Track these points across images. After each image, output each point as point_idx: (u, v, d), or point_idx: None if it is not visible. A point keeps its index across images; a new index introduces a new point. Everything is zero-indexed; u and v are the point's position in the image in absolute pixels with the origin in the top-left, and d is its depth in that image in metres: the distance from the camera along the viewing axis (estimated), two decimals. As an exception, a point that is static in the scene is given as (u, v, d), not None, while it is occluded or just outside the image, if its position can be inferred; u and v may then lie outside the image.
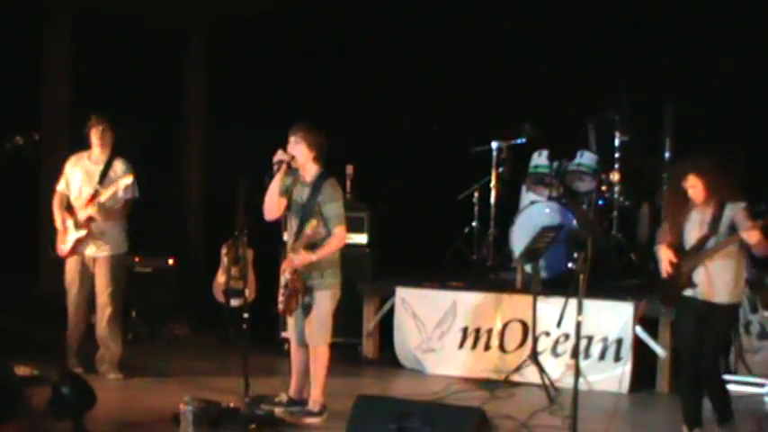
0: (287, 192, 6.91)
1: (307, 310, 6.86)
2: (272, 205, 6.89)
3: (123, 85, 10.88)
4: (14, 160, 7.98)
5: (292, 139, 6.85)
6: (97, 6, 10.61)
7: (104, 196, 7.86)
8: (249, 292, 7.94)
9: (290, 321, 7.03)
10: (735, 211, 6.04)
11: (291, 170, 6.92)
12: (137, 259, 9.86)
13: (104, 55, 10.85)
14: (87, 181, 8.02)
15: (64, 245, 8.03)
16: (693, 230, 6.17)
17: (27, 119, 10.09)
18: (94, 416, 6.40)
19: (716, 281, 6.10)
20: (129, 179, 7.87)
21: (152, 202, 8.39)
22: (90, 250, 8.03)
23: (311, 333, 6.86)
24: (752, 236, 5.89)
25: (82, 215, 7.94)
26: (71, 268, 8.09)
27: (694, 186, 6.11)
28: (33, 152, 8.26)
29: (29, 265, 10.34)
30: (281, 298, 6.90)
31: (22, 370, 7.21)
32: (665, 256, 6.20)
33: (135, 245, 9.26)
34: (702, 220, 6.14)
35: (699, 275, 6.13)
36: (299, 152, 6.83)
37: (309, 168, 6.89)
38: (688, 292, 6.19)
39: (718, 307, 6.14)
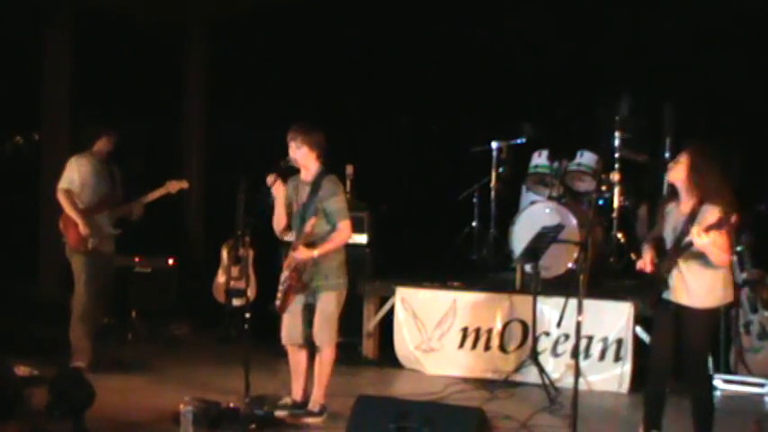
0: (289, 199, 6.92)
1: (310, 310, 6.85)
2: (282, 220, 6.92)
3: (123, 85, 10.89)
4: (14, 160, 8.00)
5: (293, 144, 6.81)
6: (97, 6, 10.62)
7: (152, 196, 8.16)
8: (250, 292, 7.94)
9: (285, 321, 7.01)
10: (707, 213, 5.80)
11: (291, 174, 6.92)
12: (137, 259, 9.88)
13: (104, 55, 10.86)
14: (105, 181, 8.17)
15: (90, 240, 8.05)
16: (671, 230, 6.03)
17: (27, 119, 10.11)
18: (94, 416, 6.39)
19: (690, 284, 5.93)
20: (185, 183, 8.30)
21: (152, 203, 8.40)
22: (110, 247, 8.19)
23: (316, 332, 6.86)
24: (697, 237, 5.66)
25: (115, 215, 8.13)
26: (91, 264, 8.09)
27: (677, 163, 5.94)
28: (33, 152, 8.28)
29: (29, 265, 10.35)
30: (279, 295, 6.91)
31: (22, 370, 7.23)
32: (646, 256, 6.07)
33: (135, 245, 9.29)
34: (680, 219, 5.98)
35: (673, 277, 5.97)
36: (302, 155, 6.81)
37: (312, 168, 6.87)
38: (665, 294, 6.04)
39: (693, 311, 5.94)
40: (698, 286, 5.93)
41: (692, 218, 5.88)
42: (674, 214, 6.04)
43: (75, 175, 8.10)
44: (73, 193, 8.10)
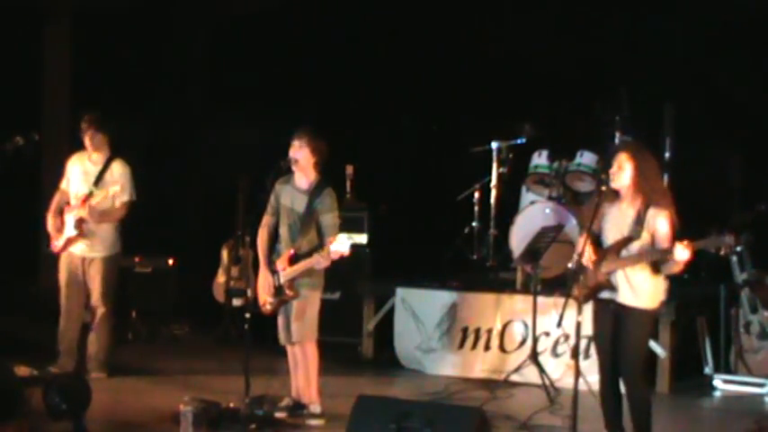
0: (277, 205, 6.93)
1: (296, 309, 6.86)
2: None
3: (123, 84, 10.90)
4: (14, 160, 7.99)
5: (296, 143, 6.81)
6: (97, 6, 10.63)
7: (96, 199, 7.86)
8: (250, 292, 7.94)
9: (281, 323, 7.01)
10: (657, 218, 5.75)
11: (283, 175, 6.92)
12: (137, 259, 9.89)
13: (105, 55, 10.87)
14: (84, 181, 8.03)
15: (57, 241, 8.04)
16: (613, 229, 5.92)
17: (27, 119, 10.11)
18: (94, 416, 6.39)
19: (635, 285, 5.84)
20: (117, 187, 7.85)
21: (152, 202, 8.38)
22: (81, 250, 8.02)
23: (300, 330, 6.84)
24: (683, 251, 5.57)
25: (76, 215, 7.95)
26: (63, 268, 8.10)
27: (621, 169, 5.82)
28: (33, 152, 8.28)
29: (28, 264, 10.35)
30: (270, 300, 6.89)
31: (21, 370, 7.23)
32: (587, 251, 5.90)
33: (135, 245, 9.27)
34: (623, 219, 5.88)
35: (618, 279, 5.87)
36: (302, 156, 6.80)
37: (309, 174, 6.87)
38: (605, 294, 5.95)
39: (636, 312, 5.87)
40: (644, 287, 5.85)
41: (639, 221, 5.80)
42: (615, 214, 5.94)
43: (64, 173, 8.13)
44: (63, 192, 8.12)
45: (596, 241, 5.98)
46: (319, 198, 6.80)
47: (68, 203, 8.07)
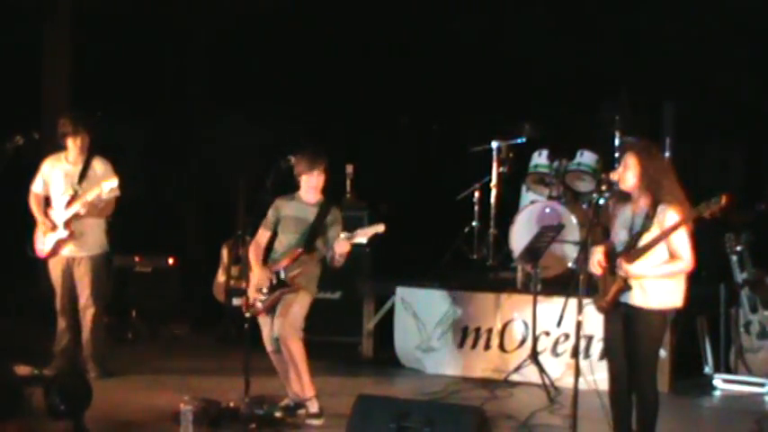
0: (274, 218, 7.02)
1: (283, 304, 6.86)
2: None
3: (123, 84, 10.90)
4: (14, 160, 8.00)
5: (315, 173, 6.91)
6: (97, 6, 10.63)
7: (90, 196, 7.79)
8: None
9: (266, 330, 6.99)
10: (666, 213, 5.65)
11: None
12: (137, 259, 9.89)
13: (105, 55, 10.87)
14: (67, 182, 7.96)
15: (44, 246, 7.99)
16: (623, 230, 5.85)
17: (27, 119, 10.12)
18: (94, 416, 6.39)
19: (646, 285, 5.74)
20: (114, 181, 7.81)
21: (152, 202, 8.38)
22: (70, 251, 7.97)
23: (283, 324, 6.81)
24: (673, 217, 5.51)
25: (65, 216, 7.90)
26: (55, 270, 8.05)
27: (627, 168, 5.76)
28: (33, 152, 8.28)
29: (28, 265, 10.34)
30: (261, 297, 6.89)
31: (22, 370, 7.23)
32: (597, 257, 5.85)
33: (135, 245, 9.27)
34: (633, 219, 5.81)
35: (630, 279, 5.75)
36: (321, 181, 6.96)
37: (317, 194, 7.00)
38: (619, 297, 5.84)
39: (646, 312, 5.77)
40: (654, 287, 5.76)
41: (648, 218, 5.73)
42: (626, 215, 5.88)
43: (39, 175, 8.07)
44: (38, 195, 8.06)
45: (611, 249, 5.89)
46: (329, 212, 6.95)
47: (48, 206, 8.01)
